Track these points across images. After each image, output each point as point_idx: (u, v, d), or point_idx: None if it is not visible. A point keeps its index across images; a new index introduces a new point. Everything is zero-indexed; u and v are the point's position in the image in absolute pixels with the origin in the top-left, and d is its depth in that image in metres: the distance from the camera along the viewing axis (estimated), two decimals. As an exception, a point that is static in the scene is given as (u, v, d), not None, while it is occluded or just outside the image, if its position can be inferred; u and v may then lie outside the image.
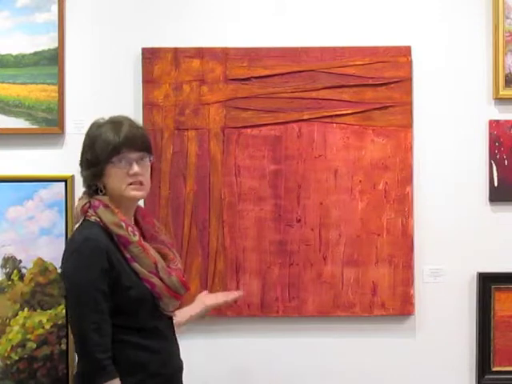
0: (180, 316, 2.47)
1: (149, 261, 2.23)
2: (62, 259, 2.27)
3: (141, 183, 2.27)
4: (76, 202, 2.38)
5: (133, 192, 2.26)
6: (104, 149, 2.24)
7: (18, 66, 2.91)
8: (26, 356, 2.87)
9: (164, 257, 2.33)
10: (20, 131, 2.91)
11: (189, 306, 2.57)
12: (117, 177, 2.24)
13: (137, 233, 2.26)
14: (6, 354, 2.87)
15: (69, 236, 2.40)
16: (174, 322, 2.40)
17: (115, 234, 2.22)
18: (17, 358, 2.87)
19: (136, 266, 2.22)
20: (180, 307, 2.45)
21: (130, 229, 2.23)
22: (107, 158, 2.24)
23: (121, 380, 2.16)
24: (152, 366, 2.23)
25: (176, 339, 2.37)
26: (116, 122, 2.29)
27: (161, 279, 2.24)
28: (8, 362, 2.87)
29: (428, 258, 2.94)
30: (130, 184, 2.25)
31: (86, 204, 2.28)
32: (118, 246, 2.22)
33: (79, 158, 2.32)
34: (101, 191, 2.27)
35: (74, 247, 2.22)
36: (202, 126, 2.91)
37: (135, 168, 2.24)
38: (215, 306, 2.62)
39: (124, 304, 2.20)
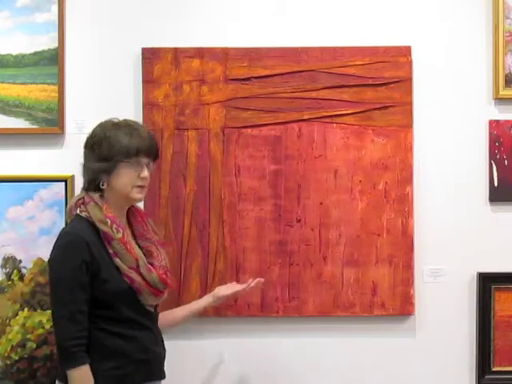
0: (186, 308, 2.70)
1: (130, 257, 2.36)
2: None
3: (144, 187, 2.42)
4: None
5: (138, 195, 2.42)
6: (124, 148, 2.36)
7: (18, 66, 2.91)
8: (26, 356, 2.87)
9: (149, 254, 2.46)
10: (20, 131, 2.91)
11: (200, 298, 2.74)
12: (127, 177, 2.38)
13: (121, 230, 2.37)
14: (6, 354, 2.87)
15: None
16: (179, 315, 2.68)
17: (100, 229, 2.35)
18: (17, 358, 2.87)
19: (117, 261, 2.35)
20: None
21: (114, 226, 2.36)
22: (124, 157, 2.36)
23: (101, 364, 2.31)
24: (131, 353, 2.36)
25: (158, 329, 2.50)
26: (132, 125, 2.43)
27: (141, 275, 2.37)
28: (8, 362, 2.87)
29: (428, 258, 2.94)
30: (137, 186, 2.40)
31: (79, 200, 2.41)
32: (103, 242, 2.35)
33: (87, 150, 2.39)
34: (102, 185, 2.38)
35: (56, 241, 2.37)
36: (202, 126, 2.91)
37: (146, 172, 2.41)
38: (229, 295, 2.71)
39: (102, 296, 2.33)
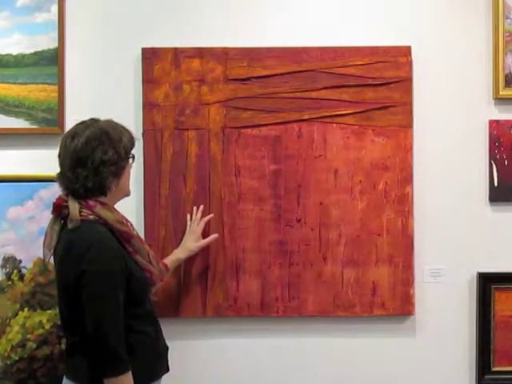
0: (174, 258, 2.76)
1: (145, 252, 2.38)
2: (75, 259, 2.25)
3: None
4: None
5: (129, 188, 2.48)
6: (131, 143, 2.38)
7: (18, 66, 2.91)
8: (25, 356, 2.87)
9: None
10: (20, 131, 2.91)
11: (177, 250, 2.80)
12: (129, 174, 2.42)
13: (133, 227, 2.38)
14: (6, 354, 2.87)
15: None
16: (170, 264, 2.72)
17: (118, 230, 2.31)
18: (17, 358, 2.87)
19: (138, 257, 2.36)
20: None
21: (129, 224, 2.37)
22: (130, 154, 2.38)
23: (140, 366, 2.29)
24: (157, 349, 2.40)
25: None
26: (113, 121, 2.41)
27: (153, 267, 2.42)
28: (8, 362, 2.87)
29: (428, 258, 2.94)
30: None
31: (80, 205, 2.32)
32: (120, 241, 2.32)
33: (91, 156, 2.29)
34: (110, 189, 2.34)
35: (89, 251, 2.22)
36: (202, 126, 2.91)
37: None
38: (199, 248, 2.81)
39: (136, 294, 2.32)
